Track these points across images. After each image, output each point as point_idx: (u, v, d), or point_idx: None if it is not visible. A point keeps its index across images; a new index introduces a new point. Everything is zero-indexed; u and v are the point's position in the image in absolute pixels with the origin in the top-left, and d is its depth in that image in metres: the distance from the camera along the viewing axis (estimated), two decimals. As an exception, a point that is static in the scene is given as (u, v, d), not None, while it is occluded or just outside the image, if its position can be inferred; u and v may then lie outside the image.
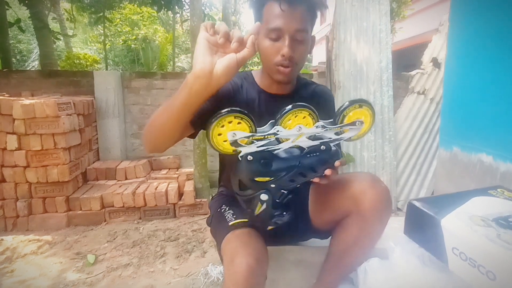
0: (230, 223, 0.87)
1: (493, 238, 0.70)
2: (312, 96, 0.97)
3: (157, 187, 2.60)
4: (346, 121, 0.74)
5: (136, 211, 2.54)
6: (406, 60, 7.21)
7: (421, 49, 3.63)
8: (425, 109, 3.23)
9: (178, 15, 7.04)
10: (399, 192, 3.06)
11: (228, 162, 1.01)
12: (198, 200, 2.63)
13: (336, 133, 0.74)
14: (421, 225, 0.92)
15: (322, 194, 0.94)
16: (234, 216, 0.90)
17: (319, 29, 13.01)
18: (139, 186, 2.63)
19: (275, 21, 0.78)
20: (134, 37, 7.77)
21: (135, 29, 7.80)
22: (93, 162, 2.93)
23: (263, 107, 0.91)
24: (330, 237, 0.94)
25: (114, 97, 2.99)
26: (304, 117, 0.70)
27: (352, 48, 3.20)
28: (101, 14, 5.06)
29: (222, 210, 0.96)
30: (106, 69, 6.49)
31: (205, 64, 0.62)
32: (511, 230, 0.74)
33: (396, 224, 1.11)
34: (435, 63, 3.35)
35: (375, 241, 0.87)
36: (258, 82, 0.94)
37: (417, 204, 0.95)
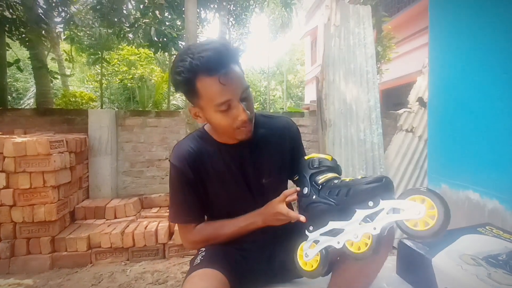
0: (195, 264, 0.89)
1: (484, 278, 0.70)
2: (274, 132, 1.00)
3: (147, 226, 2.53)
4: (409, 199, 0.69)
5: (124, 252, 2.44)
6: (394, 99, 7.51)
7: (407, 88, 3.81)
8: (414, 146, 3.31)
9: (174, 56, 7.35)
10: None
11: (218, 206, 1.01)
12: (189, 239, 2.55)
13: (394, 210, 0.71)
14: (413, 265, 0.92)
15: None
16: (202, 259, 0.91)
17: (310, 69, 13.64)
18: (128, 225, 2.56)
19: (221, 95, 0.79)
20: (130, 76, 8.03)
21: (132, 68, 8.08)
22: (82, 201, 2.87)
23: (227, 159, 0.95)
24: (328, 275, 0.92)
25: (108, 134, 3.02)
26: None
27: (341, 88, 3.34)
28: (99, 55, 5.26)
29: (199, 252, 0.96)
30: (102, 107, 6.61)
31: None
32: (502, 269, 0.74)
33: (389, 263, 1.09)
34: (421, 102, 3.50)
35: (379, 268, 0.87)
36: (216, 138, 0.95)
37: (408, 243, 0.95)
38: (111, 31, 4.28)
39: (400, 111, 3.57)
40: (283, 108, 16.75)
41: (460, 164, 1.43)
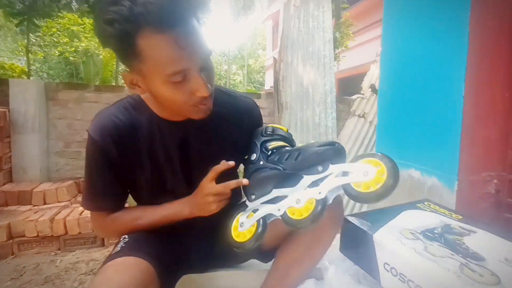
0: (113, 252, 0.70)
1: (420, 251, 0.68)
2: (233, 114, 0.82)
3: (82, 212, 2.29)
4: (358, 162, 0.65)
5: (54, 241, 2.19)
6: (351, 88, 7.76)
7: (363, 78, 3.90)
8: (365, 131, 3.42)
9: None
10: (344, 209, 3.11)
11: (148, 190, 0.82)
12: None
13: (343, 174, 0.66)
14: (355, 242, 0.88)
15: None
16: (124, 246, 0.72)
17: (271, 55, 13.61)
18: (59, 212, 2.29)
19: (176, 62, 0.58)
20: (73, 49, 7.23)
21: (75, 41, 7.28)
22: (3, 184, 2.51)
23: (167, 138, 0.75)
24: (271, 261, 0.88)
25: (35, 109, 2.64)
26: None
27: (298, 71, 3.31)
28: (25, 17, 4.48)
29: (121, 239, 0.78)
30: (29, 78, 5.80)
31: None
32: (437, 242, 0.73)
33: (334, 241, 1.07)
34: (373, 89, 3.60)
35: (325, 250, 0.83)
36: (155, 110, 0.74)
37: (351, 219, 0.91)
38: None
39: (354, 97, 3.65)
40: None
41: (404, 145, 1.47)
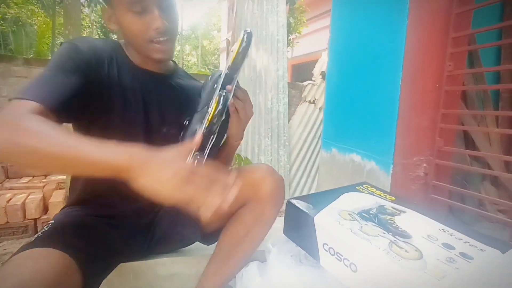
0: (27, 243, 0.62)
1: (356, 231, 0.72)
2: (193, 87, 0.87)
3: (10, 199, 2.06)
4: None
5: (-23, 232, 1.95)
6: (304, 75, 7.94)
7: (315, 65, 3.99)
8: (315, 116, 3.54)
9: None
10: (291, 193, 3.23)
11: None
12: (70, 212, 2.19)
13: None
14: (298, 223, 0.91)
15: None
16: (41, 236, 0.65)
17: (226, 36, 13.29)
18: (-17, 199, 2.04)
19: None
20: (0, 16, 6.30)
21: (1, 6, 6.33)
22: None
23: (134, 83, 0.76)
24: (214, 243, 0.87)
25: (-51, 82, 2.28)
26: None
27: (252, 55, 3.27)
28: None
29: (43, 227, 0.71)
30: None
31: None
32: (371, 222, 0.77)
33: (278, 224, 1.09)
34: (324, 76, 3.72)
35: (266, 230, 0.84)
36: (130, 56, 0.78)
37: (294, 202, 0.94)
38: None
39: (305, 83, 3.73)
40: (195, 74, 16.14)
41: (348, 130, 1.54)
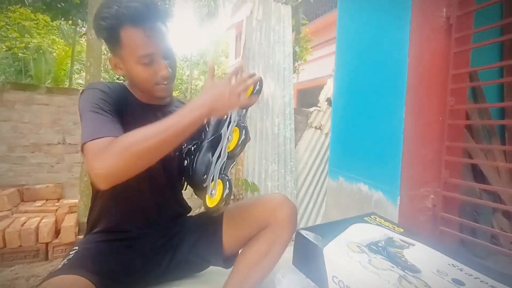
0: (54, 270, 0.71)
1: (365, 264, 0.73)
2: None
3: (25, 222, 2.11)
4: None
5: (-10, 255, 1.99)
6: (309, 99, 8.07)
7: (321, 90, 4.09)
8: (321, 142, 3.58)
9: (84, 28, 6.39)
10: (299, 220, 3.21)
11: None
12: (80, 237, 2.22)
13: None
14: (307, 255, 0.93)
15: (239, 211, 0.95)
16: (66, 263, 0.74)
17: (233, 62, 13.68)
18: (-2, 223, 2.09)
19: (144, 47, 0.79)
20: (23, 45, 6.63)
21: (25, 36, 6.69)
22: None
23: (141, 117, 0.84)
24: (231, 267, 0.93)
25: (-25, 110, 2.40)
26: None
27: (259, 82, 3.38)
28: None
29: (67, 255, 0.79)
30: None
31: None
32: (380, 255, 0.78)
33: (288, 254, 1.10)
34: (329, 102, 3.80)
35: (282, 251, 0.92)
36: (135, 94, 0.91)
37: (303, 233, 0.96)
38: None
39: (311, 109, 3.81)
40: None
41: (354, 160, 1.55)
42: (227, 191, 0.82)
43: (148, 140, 0.65)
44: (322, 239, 0.90)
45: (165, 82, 0.84)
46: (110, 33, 0.80)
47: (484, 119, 1.52)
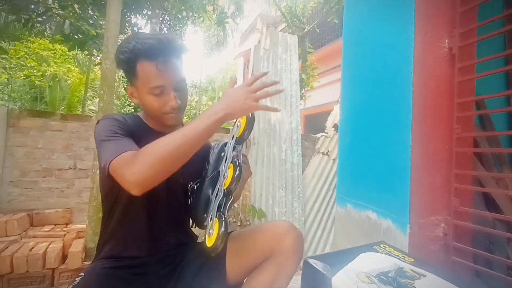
0: None
1: None
2: None
3: (33, 247, 2.11)
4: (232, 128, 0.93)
5: (-4, 281, 1.98)
6: (316, 125, 8.13)
7: (328, 116, 4.14)
8: (329, 168, 3.57)
9: (99, 58, 6.70)
10: (307, 247, 3.14)
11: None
12: (87, 263, 2.20)
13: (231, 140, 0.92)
14: (315, 285, 0.91)
15: (244, 239, 0.96)
16: None
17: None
18: (7, 247, 2.10)
19: (156, 80, 0.85)
20: (40, 73, 6.96)
21: (43, 65, 7.03)
22: None
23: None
24: None
25: (-7, 136, 2.50)
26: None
27: (267, 109, 3.44)
28: None
29: (73, 281, 0.82)
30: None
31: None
32: (390, 285, 0.77)
33: (295, 284, 1.08)
34: (336, 128, 3.82)
35: (288, 281, 0.91)
36: (148, 123, 0.98)
37: (311, 261, 0.95)
38: (14, 17, 3.64)
39: (318, 135, 3.83)
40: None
41: (362, 186, 1.54)
42: (223, 229, 0.84)
43: (169, 145, 0.72)
44: (330, 269, 0.89)
45: (174, 112, 0.90)
46: (128, 65, 0.88)
47: (493, 146, 1.51)
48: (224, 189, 0.87)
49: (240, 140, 0.90)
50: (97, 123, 0.89)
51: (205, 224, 0.89)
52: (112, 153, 0.76)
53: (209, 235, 0.86)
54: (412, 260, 0.94)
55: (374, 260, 0.93)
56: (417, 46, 1.25)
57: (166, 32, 6.60)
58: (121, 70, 0.96)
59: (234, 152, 0.91)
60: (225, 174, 0.89)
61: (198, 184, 0.97)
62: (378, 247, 1.02)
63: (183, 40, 7.16)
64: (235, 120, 0.90)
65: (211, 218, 0.87)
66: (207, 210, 0.90)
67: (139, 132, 0.92)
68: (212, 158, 0.97)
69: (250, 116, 0.87)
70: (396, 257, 0.95)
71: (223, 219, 0.85)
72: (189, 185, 0.98)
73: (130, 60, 0.86)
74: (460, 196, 1.19)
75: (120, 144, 0.79)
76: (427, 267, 0.89)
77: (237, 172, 0.86)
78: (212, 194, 0.91)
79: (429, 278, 0.83)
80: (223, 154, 0.93)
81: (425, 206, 1.21)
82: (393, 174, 1.32)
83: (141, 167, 0.69)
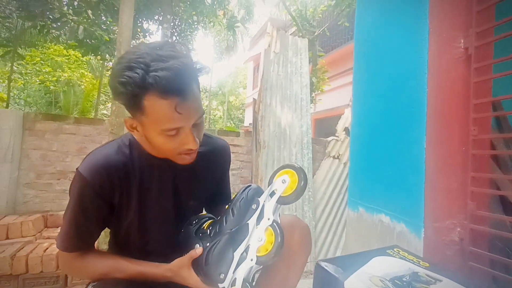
0: None
1: None
2: (213, 153, 0.93)
3: (47, 248, 2.15)
4: (274, 180, 0.79)
5: (12, 280, 2.01)
6: (326, 128, 8.09)
7: (338, 119, 4.11)
8: (340, 172, 3.53)
9: (111, 63, 6.85)
10: (318, 252, 3.10)
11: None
12: (99, 264, 2.23)
13: (270, 195, 0.78)
14: (327, 287, 0.90)
15: None
16: None
17: (251, 93, 14.07)
18: (23, 248, 2.14)
19: (172, 122, 0.67)
20: (55, 78, 7.18)
21: (58, 70, 7.26)
22: (-37, 216, 2.34)
23: (160, 175, 0.82)
24: None
25: (10, 138, 2.56)
26: None
27: (277, 112, 3.45)
28: (11, 48, 4.54)
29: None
30: (7, 107, 5.68)
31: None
32: None
33: (305, 286, 1.07)
34: (347, 132, 3.79)
35: (299, 276, 0.88)
36: (147, 149, 0.80)
37: (323, 265, 0.94)
38: (30, 24, 3.77)
39: (329, 139, 3.80)
40: (222, 128, 16.81)
41: (375, 190, 1.52)
42: None
43: (96, 272, 0.76)
44: (343, 272, 0.87)
45: (191, 153, 0.75)
46: (131, 100, 0.66)
47: (510, 148, 1.47)
48: (257, 256, 0.72)
49: (285, 201, 0.76)
50: (75, 173, 0.74)
51: (219, 285, 0.74)
52: (63, 243, 0.76)
53: None
54: (427, 264, 0.92)
55: (387, 264, 0.91)
56: (431, 47, 1.23)
57: (178, 39, 6.64)
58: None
59: (274, 216, 0.75)
60: (262, 238, 0.73)
61: (210, 228, 0.81)
62: (391, 251, 1.01)
63: (193, 47, 6.98)
64: (279, 172, 0.79)
65: (231, 283, 0.72)
66: (226, 272, 0.73)
67: (138, 164, 0.79)
68: (237, 206, 0.78)
69: (303, 175, 0.75)
70: (410, 262, 0.93)
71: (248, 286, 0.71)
72: (194, 221, 0.86)
73: (134, 95, 0.64)
74: (476, 199, 1.15)
75: (74, 235, 0.75)
76: (442, 272, 0.87)
77: (279, 240, 0.71)
78: (234, 252, 0.74)
79: (445, 283, 0.81)
80: (254, 206, 0.77)
81: (440, 210, 1.18)
82: (406, 177, 1.30)
83: (70, 273, 0.83)
